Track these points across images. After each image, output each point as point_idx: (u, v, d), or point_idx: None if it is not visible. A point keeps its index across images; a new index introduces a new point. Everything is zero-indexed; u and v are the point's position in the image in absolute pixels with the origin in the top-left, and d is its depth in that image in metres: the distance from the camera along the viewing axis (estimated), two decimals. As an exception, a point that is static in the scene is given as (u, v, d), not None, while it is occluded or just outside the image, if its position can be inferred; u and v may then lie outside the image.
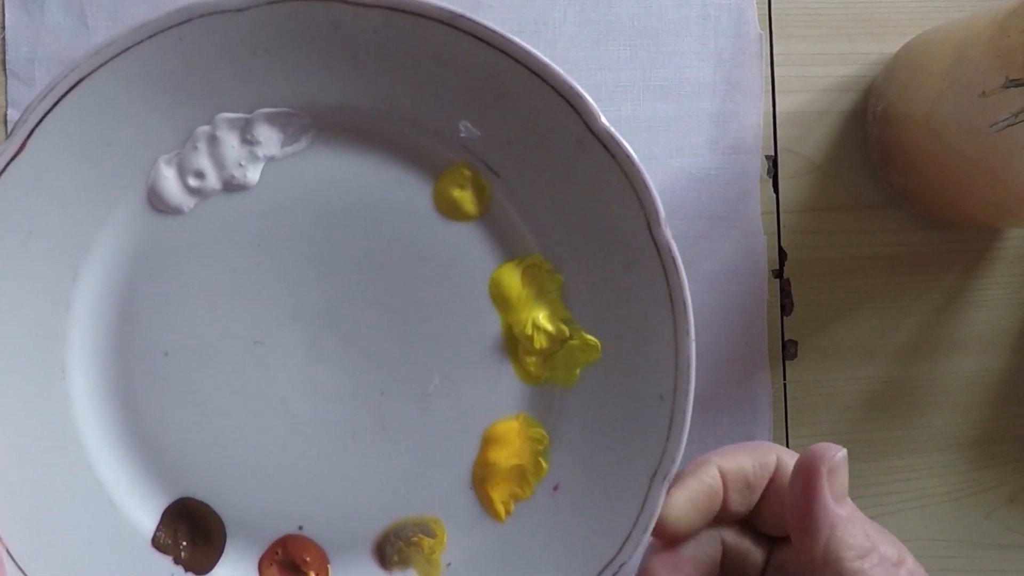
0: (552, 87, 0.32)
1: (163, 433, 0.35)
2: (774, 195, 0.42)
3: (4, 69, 0.38)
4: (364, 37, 0.33)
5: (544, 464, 0.36)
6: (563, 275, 0.35)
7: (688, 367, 0.33)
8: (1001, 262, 0.43)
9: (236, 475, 0.35)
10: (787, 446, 0.42)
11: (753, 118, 0.41)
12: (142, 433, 0.35)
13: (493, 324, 0.36)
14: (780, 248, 0.42)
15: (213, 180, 0.34)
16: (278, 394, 0.35)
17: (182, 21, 0.32)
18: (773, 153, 0.42)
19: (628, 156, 0.32)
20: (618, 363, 0.35)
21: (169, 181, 0.34)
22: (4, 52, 0.38)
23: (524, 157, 0.34)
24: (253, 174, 0.35)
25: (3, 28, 0.37)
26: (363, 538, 0.36)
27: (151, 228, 0.34)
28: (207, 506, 0.35)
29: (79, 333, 0.34)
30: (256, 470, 0.35)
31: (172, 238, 0.35)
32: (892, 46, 0.42)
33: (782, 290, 0.42)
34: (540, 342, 0.35)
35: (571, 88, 0.32)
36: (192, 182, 0.34)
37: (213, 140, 0.34)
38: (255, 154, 0.34)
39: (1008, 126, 0.32)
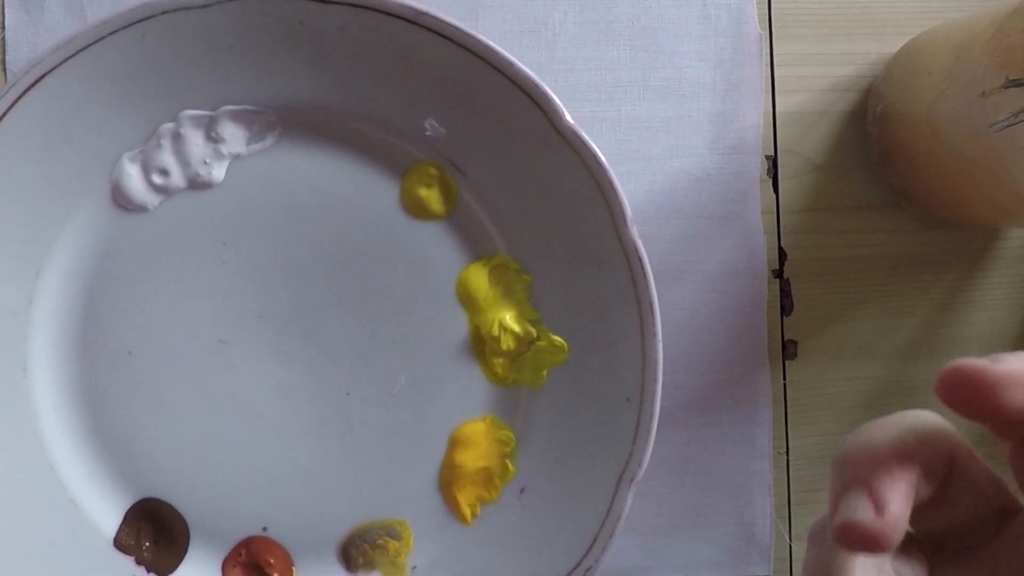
0: (517, 85, 0.32)
1: (126, 432, 0.35)
2: (774, 195, 0.41)
3: (4, 69, 0.38)
4: (329, 34, 0.33)
5: (511, 466, 0.35)
6: (530, 275, 0.35)
7: (655, 369, 0.33)
8: (1001, 262, 0.43)
9: (200, 475, 0.35)
10: (787, 447, 0.42)
11: (753, 118, 0.41)
12: (105, 432, 0.35)
13: (460, 324, 0.35)
14: (780, 248, 0.41)
15: (178, 178, 0.34)
16: (243, 394, 0.35)
17: (144, 18, 0.32)
18: (773, 153, 0.41)
19: (594, 155, 0.32)
20: (585, 365, 0.34)
21: (133, 179, 0.34)
22: (4, 52, 0.38)
23: (491, 156, 0.34)
24: (218, 172, 0.34)
25: (3, 28, 0.38)
26: (328, 540, 0.35)
27: (115, 226, 0.34)
28: (170, 506, 0.35)
29: (41, 331, 0.34)
30: (220, 470, 0.35)
31: (137, 236, 0.34)
32: (892, 46, 0.42)
33: (782, 290, 0.41)
34: (507, 343, 0.35)
35: (536, 86, 0.32)
36: (156, 179, 0.34)
37: (178, 137, 0.34)
38: (220, 152, 0.34)
39: (1008, 126, 0.31)
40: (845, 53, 0.42)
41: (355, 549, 0.35)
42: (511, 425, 0.35)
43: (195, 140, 0.34)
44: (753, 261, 0.41)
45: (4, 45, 0.38)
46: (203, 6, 0.32)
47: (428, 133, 0.34)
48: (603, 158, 0.32)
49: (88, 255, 0.34)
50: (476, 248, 0.35)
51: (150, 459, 0.35)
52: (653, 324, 0.32)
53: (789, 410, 0.41)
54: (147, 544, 0.35)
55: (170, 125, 0.34)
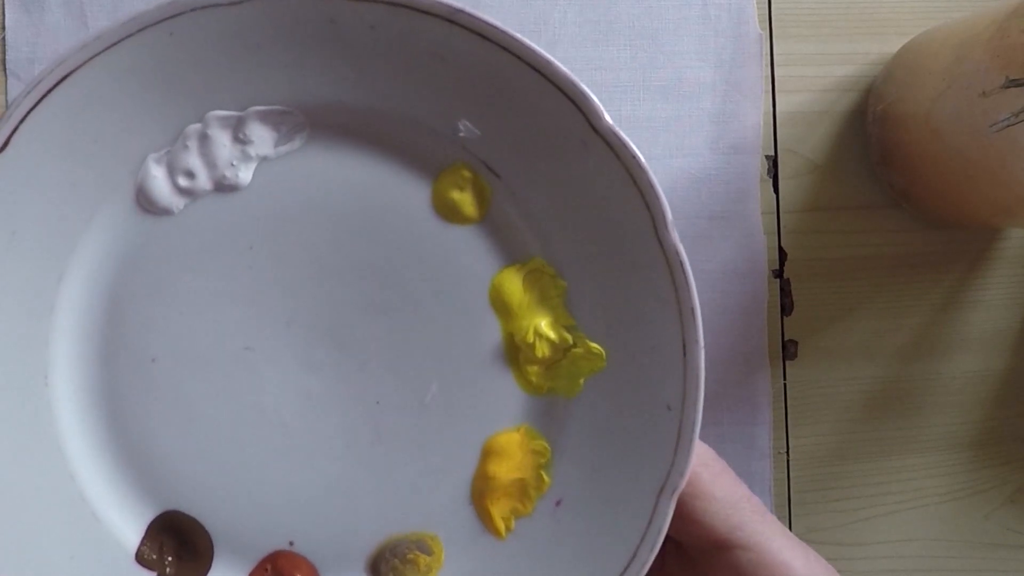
0: (555, 85, 0.31)
1: (149, 442, 0.34)
2: (774, 195, 0.42)
3: (4, 69, 0.38)
4: (361, 33, 0.32)
5: (546, 478, 0.34)
6: (566, 280, 0.34)
7: (697, 376, 0.32)
8: (1001, 262, 0.43)
9: (225, 487, 0.34)
10: (787, 446, 0.42)
11: (753, 118, 0.41)
12: (127, 442, 0.34)
13: (493, 331, 0.34)
14: (780, 248, 0.42)
15: (204, 180, 0.33)
16: (269, 403, 0.34)
17: (172, 15, 0.31)
18: (773, 153, 0.42)
19: (634, 156, 0.31)
20: (624, 372, 0.33)
21: (158, 181, 0.33)
22: (4, 52, 0.38)
23: (526, 158, 0.33)
24: (245, 174, 0.33)
25: (3, 28, 0.37)
26: (356, 555, 0.34)
27: (139, 229, 0.33)
28: (194, 520, 0.34)
29: (63, 338, 0.33)
30: (246, 482, 0.34)
31: (161, 240, 0.33)
32: (892, 46, 0.42)
33: (782, 290, 0.42)
34: (542, 350, 0.34)
35: (574, 86, 0.31)
36: (182, 182, 0.33)
37: (204, 139, 0.33)
38: (247, 153, 0.33)
39: (1008, 126, 0.32)
40: (845, 53, 0.42)
41: (384, 564, 0.34)
42: (546, 435, 0.34)
43: (222, 141, 0.33)
44: (753, 261, 0.41)
45: (4, 45, 0.38)
46: (232, 3, 0.31)
47: (462, 134, 0.33)
48: (643, 159, 0.31)
49: (111, 260, 0.33)
50: (510, 253, 0.34)
51: (173, 470, 0.34)
52: (695, 330, 0.31)
53: (789, 410, 0.42)
54: (170, 559, 0.34)
55: (197, 126, 0.33)
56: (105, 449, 0.33)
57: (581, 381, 0.34)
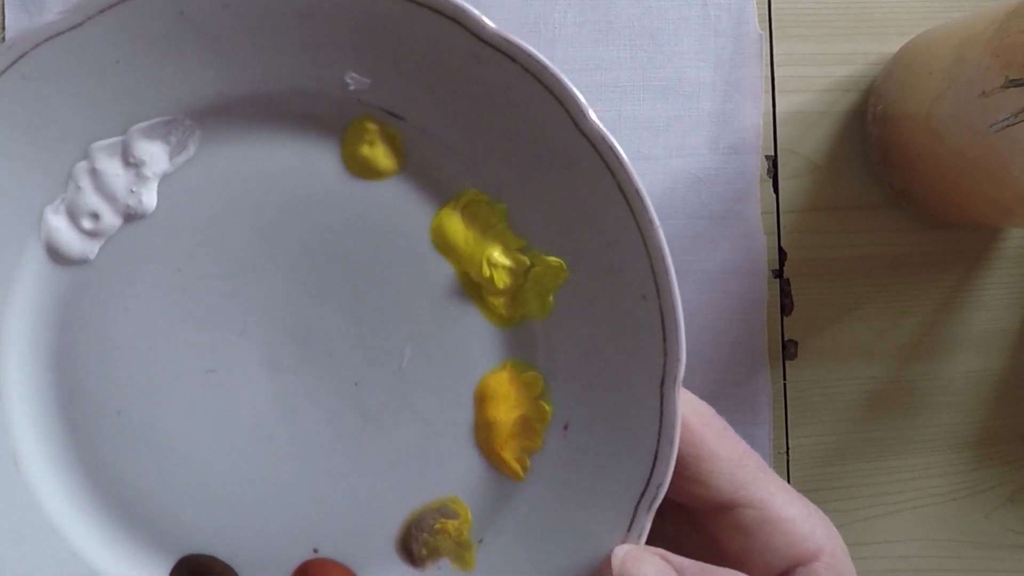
0: (426, 6, 0.30)
1: (141, 496, 0.32)
2: (774, 195, 0.41)
3: None
4: (215, 16, 0.30)
5: (547, 407, 0.33)
6: (505, 202, 0.32)
7: (663, 258, 0.30)
8: (1001, 262, 0.43)
9: (231, 516, 0.33)
10: (787, 446, 0.42)
11: (753, 118, 0.41)
12: (120, 503, 0.32)
13: (448, 276, 0.33)
14: (780, 248, 0.41)
15: (109, 217, 0.32)
16: (247, 418, 0.33)
17: (17, 58, 0.29)
18: (773, 153, 0.41)
19: (528, 54, 0.29)
20: (589, 277, 0.32)
21: (63, 232, 0.31)
22: None
23: (422, 91, 0.32)
24: (149, 197, 0.32)
25: (3, 28, 0.37)
26: (384, 541, 0.33)
27: (61, 284, 0.32)
28: (212, 557, 0.33)
29: (21, 417, 0.32)
30: (250, 504, 0.33)
31: (87, 289, 0.32)
32: (892, 46, 0.42)
33: (782, 290, 0.41)
34: (502, 280, 0.32)
35: (446, 1, 0.29)
36: (87, 225, 0.31)
37: (95, 174, 0.31)
38: (144, 175, 0.31)
39: (1008, 126, 0.32)
40: (845, 53, 0.42)
41: (415, 541, 0.33)
42: (533, 364, 0.33)
43: (114, 171, 0.31)
44: (753, 261, 0.41)
45: (4, 48, 0.37)
46: (75, 26, 0.29)
47: (352, 87, 0.32)
48: (539, 54, 0.29)
49: (43, 324, 0.32)
50: (441, 192, 0.33)
51: (174, 516, 0.32)
52: (646, 211, 0.30)
53: (789, 410, 0.42)
54: (200, 602, 0.32)
55: (83, 163, 0.31)
56: (99, 516, 0.32)
57: (550, 298, 0.32)
